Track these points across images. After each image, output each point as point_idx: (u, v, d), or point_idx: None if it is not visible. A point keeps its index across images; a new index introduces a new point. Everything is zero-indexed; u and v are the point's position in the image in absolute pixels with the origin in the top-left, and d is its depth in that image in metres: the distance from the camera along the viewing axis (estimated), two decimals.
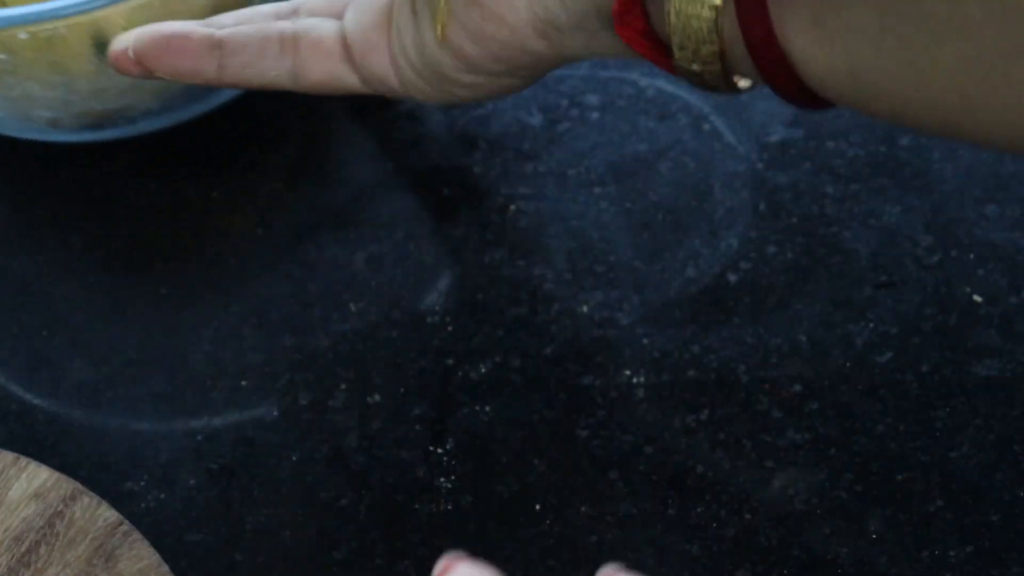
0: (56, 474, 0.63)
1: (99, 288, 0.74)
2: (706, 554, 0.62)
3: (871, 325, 0.68)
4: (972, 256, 0.70)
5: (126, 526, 0.62)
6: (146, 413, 0.68)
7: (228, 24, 0.66)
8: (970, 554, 0.60)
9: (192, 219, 0.73)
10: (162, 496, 0.66)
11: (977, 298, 0.68)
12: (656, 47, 0.56)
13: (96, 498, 0.63)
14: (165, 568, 0.61)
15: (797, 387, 0.66)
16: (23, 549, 0.61)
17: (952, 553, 0.60)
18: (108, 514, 0.62)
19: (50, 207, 0.77)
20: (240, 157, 0.78)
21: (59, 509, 0.62)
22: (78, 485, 0.63)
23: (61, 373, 0.71)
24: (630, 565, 0.48)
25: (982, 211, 0.71)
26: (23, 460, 0.64)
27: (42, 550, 0.61)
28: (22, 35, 0.68)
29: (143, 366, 0.70)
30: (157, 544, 0.63)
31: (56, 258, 0.75)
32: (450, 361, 0.69)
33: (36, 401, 0.70)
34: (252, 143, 0.78)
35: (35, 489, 0.63)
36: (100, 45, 0.69)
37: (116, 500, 0.65)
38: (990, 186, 0.72)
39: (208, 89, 0.75)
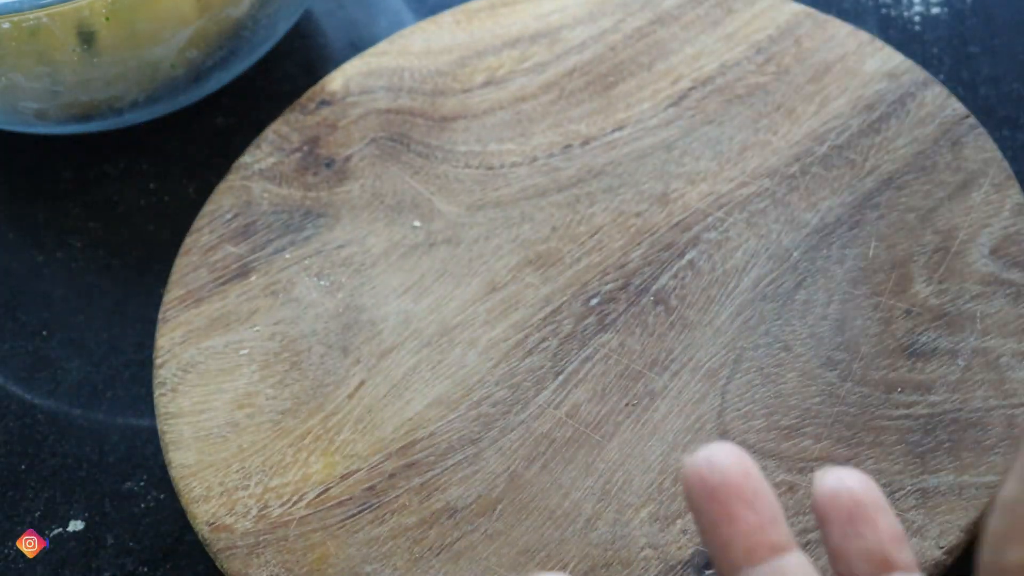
0: (910, 62, 0.71)
1: (99, 288, 0.76)
2: None
3: None
4: None
5: (972, 120, 0.68)
6: (146, 413, 0.70)
7: None
8: None
9: (192, 219, 0.74)
10: (162, 496, 0.68)
11: None
12: None
13: (947, 90, 0.70)
14: (1006, 164, 0.67)
15: None
16: (874, 116, 0.69)
17: None
18: (956, 105, 0.69)
19: (50, 207, 0.79)
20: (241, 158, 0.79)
21: (911, 91, 0.70)
22: (930, 75, 0.70)
23: (61, 373, 0.73)
24: None
25: None
26: (879, 42, 0.72)
27: (892, 122, 0.69)
28: (5, 25, 0.69)
29: (143, 366, 0.71)
30: (156, 544, 0.66)
31: (56, 258, 0.77)
32: None
33: (36, 401, 0.72)
34: (252, 143, 0.79)
35: (889, 69, 0.71)
36: (84, 35, 0.71)
37: (116, 500, 0.68)
38: None
39: (194, 80, 0.77)
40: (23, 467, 0.70)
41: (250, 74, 0.81)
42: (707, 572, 0.58)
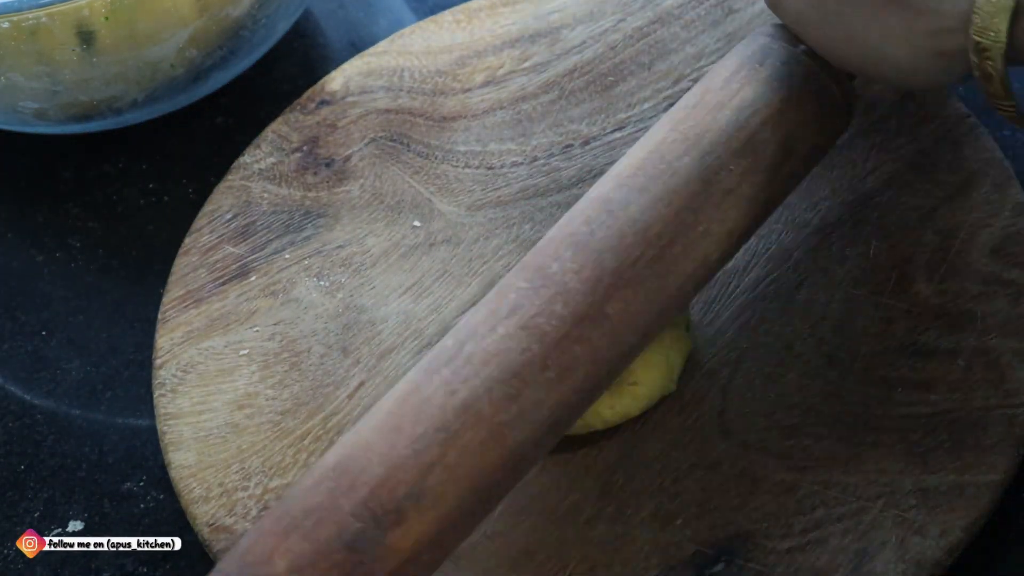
0: None
1: (99, 288, 0.76)
2: None
3: None
4: None
5: (973, 119, 0.68)
6: (146, 413, 0.70)
7: None
8: None
9: (191, 219, 0.75)
10: (161, 496, 0.68)
11: None
12: None
13: (947, 89, 0.70)
14: (1006, 164, 0.67)
15: None
16: (875, 116, 0.69)
17: None
18: (957, 105, 0.69)
19: (50, 207, 0.79)
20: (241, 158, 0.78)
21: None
22: None
23: (61, 373, 0.73)
24: None
25: None
26: None
27: (892, 122, 0.69)
28: (5, 24, 0.70)
29: (143, 366, 0.71)
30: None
31: (56, 258, 0.77)
32: None
33: (36, 401, 0.72)
34: (252, 143, 0.79)
35: None
36: (84, 35, 0.71)
37: (115, 500, 0.68)
38: None
39: (194, 80, 0.77)
40: (23, 467, 0.70)
41: (250, 74, 0.81)
42: (707, 572, 0.58)
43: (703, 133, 0.58)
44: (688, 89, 0.71)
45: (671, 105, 0.71)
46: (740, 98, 0.59)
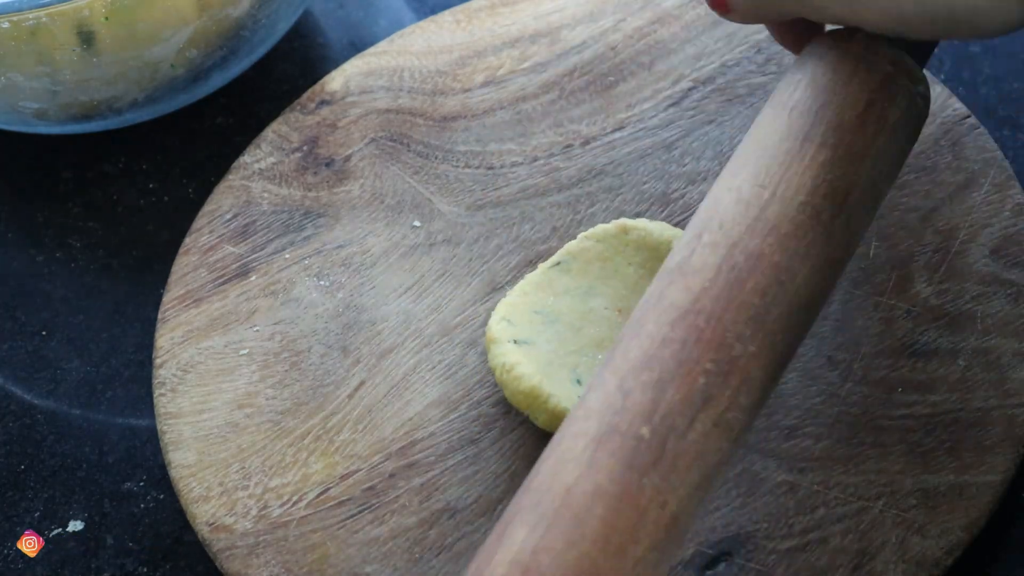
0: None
1: (99, 288, 0.76)
2: None
3: None
4: None
5: (973, 120, 0.68)
6: (146, 413, 0.70)
7: None
8: None
9: (191, 219, 0.74)
10: (162, 496, 0.68)
11: None
12: None
13: (947, 90, 0.69)
14: (1006, 164, 0.66)
15: None
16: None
17: None
18: (957, 105, 0.68)
19: (50, 207, 0.79)
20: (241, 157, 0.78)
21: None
22: (931, 75, 0.68)
23: (61, 373, 0.73)
24: None
25: None
26: None
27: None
28: (5, 24, 0.70)
29: (143, 366, 0.72)
30: (155, 544, 0.66)
31: (56, 258, 0.77)
32: None
33: (36, 401, 0.72)
34: (252, 143, 0.79)
35: None
36: (84, 35, 0.71)
37: (115, 500, 0.68)
38: None
39: (194, 80, 0.77)
40: (23, 467, 0.70)
41: (250, 74, 0.81)
42: (707, 572, 0.58)
43: (849, 189, 0.56)
44: (693, 89, 0.72)
45: (671, 106, 0.71)
46: (876, 148, 0.57)
